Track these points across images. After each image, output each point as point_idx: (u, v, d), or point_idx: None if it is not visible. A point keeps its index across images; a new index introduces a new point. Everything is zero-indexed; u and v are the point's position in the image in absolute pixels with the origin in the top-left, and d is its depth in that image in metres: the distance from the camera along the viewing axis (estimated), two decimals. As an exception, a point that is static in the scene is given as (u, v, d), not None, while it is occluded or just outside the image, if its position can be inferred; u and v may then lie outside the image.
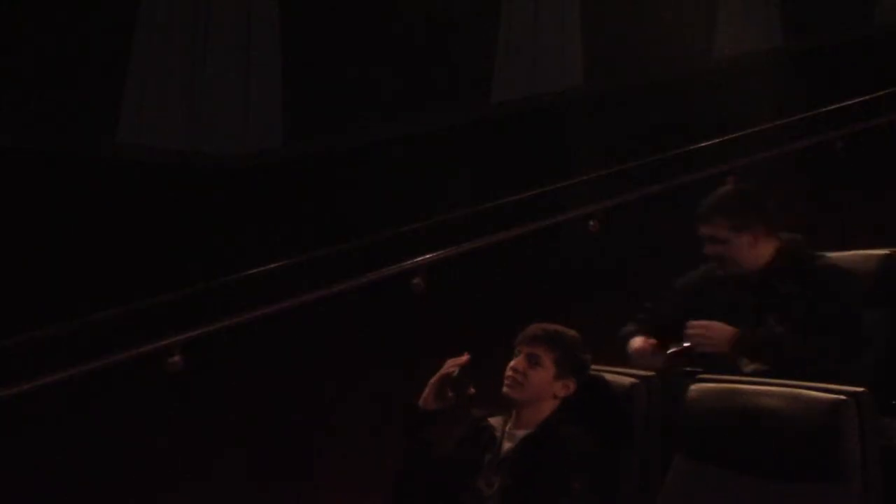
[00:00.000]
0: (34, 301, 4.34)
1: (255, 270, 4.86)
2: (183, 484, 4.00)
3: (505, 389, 2.77)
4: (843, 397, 2.32)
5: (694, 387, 2.58)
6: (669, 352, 2.94)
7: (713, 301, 3.08)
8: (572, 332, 2.84)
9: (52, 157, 5.01)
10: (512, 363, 2.78)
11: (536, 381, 2.75)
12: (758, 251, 3.05)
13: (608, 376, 2.84)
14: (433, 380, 2.74)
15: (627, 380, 2.79)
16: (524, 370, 2.75)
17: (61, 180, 4.91)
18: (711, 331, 2.94)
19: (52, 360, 3.86)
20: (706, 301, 3.09)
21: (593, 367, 2.86)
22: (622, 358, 3.06)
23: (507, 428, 2.76)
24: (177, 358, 3.83)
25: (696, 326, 2.94)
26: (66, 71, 5.32)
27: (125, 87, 5.79)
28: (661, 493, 2.57)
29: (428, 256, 4.53)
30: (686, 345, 2.90)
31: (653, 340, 3.05)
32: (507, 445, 2.73)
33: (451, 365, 2.74)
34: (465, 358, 2.74)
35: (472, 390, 2.71)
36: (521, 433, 2.73)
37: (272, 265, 4.97)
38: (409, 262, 4.52)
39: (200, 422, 4.23)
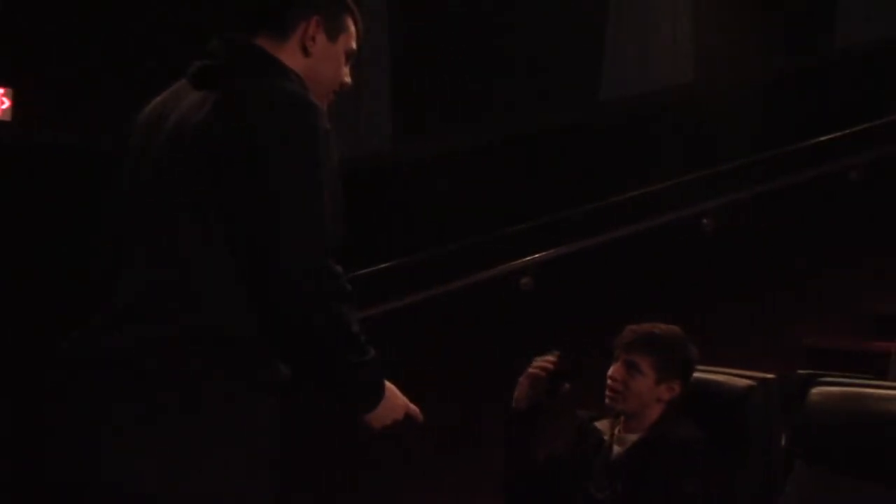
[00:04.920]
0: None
1: (364, 271, 4.85)
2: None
3: (607, 401, 2.66)
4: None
5: (816, 390, 2.47)
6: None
7: None
8: (671, 330, 2.68)
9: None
10: (610, 371, 2.66)
11: (637, 390, 2.62)
12: None
13: (721, 378, 2.72)
14: (521, 378, 2.65)
15: (743, 382, 2.67)
16: (623, 379, 2.63)
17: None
18: None
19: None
20: None
21: (705, 369, 2.75)
22: (741, 363, 2.92)
23: (615, 432, 2.67)
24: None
25: None
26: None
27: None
28: (781, 500, 2.47)
29: (536, 256, 4.48)
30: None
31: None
32: (616, 450, 2.64)
33: (538, 363, 2.64)
34: (552, 356, 2.63)
35: (567, 386, 2.61)
36: (630, 437, 2.64)
37: (381, 266, 4.97)
38: (517, 261, 4.48)
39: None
